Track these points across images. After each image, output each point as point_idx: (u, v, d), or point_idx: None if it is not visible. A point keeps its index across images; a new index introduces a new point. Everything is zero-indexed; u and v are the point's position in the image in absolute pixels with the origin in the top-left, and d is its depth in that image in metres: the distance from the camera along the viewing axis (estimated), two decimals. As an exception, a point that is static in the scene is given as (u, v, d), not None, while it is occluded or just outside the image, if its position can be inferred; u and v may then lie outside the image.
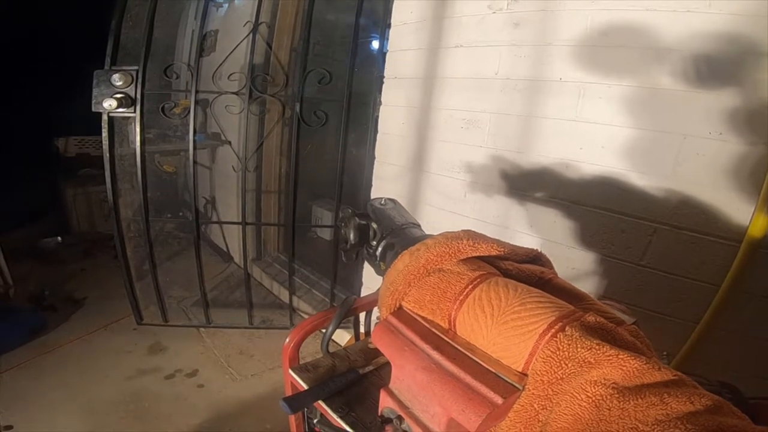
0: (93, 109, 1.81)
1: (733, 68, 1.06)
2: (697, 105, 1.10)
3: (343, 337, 2.08)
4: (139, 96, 1.83)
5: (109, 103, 1.78)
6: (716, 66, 1.08)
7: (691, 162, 1.13)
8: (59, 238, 3.21)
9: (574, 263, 1.36)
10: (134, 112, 1.85)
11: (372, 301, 0.97)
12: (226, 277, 2.98)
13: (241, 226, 2.21)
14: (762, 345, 1.10)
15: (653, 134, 1.18)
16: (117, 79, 1.80)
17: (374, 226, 0.62)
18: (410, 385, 0.45)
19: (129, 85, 1.82)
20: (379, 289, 1.03)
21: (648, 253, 1.22)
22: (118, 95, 1.80)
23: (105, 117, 1.84)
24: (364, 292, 2.15)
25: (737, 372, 1.13)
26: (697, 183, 1.13)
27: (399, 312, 0.48)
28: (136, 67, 1.82)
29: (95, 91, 1.80)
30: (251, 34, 1.97)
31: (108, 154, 1.88)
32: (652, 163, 1.19)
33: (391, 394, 0.48)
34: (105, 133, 1.85)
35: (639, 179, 1.21)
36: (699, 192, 1.13)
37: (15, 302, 2.45)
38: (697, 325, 1.16)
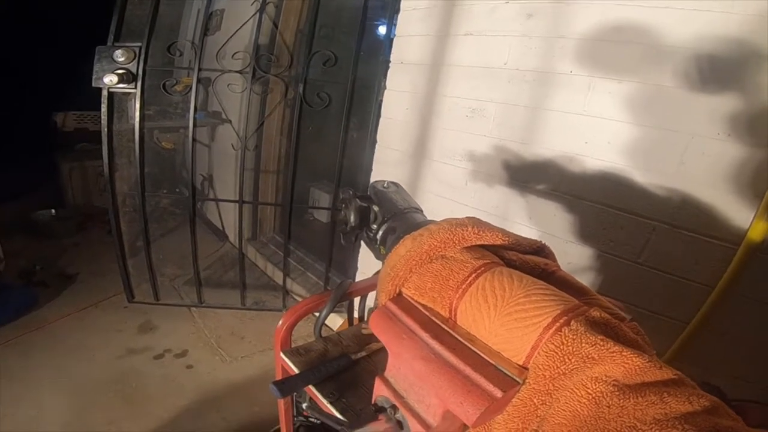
0: (93, 84, 1.79)
1: (736, 70, 1.04)
2: (706, 105, 1.09)
3: (335, 321, 2.08)
4: (140, 72, 1.81)
5: (110, 79, 1.75)
6: (725, 66, 1.06)
7: (696, 162, 1.12)
8: (53, 211, 3.17)
9: (572, 257, 1.35)
10: (135, 88, 1.82)
11: (367, 287, 0.96)
12: (220, 257, 2.97)
13: (237, 205, 2.19)
14: (749, 348, 1.11)
15: (659, 132, 1.16)
16: (119, 55, 1.77)
17: (375, 208, 0.60)
18: (407, 374, 0.44)
19: (131, 62, 1.80)
20: (376, 274, 1.02)
21: (646, 251, 1.22)
22: (120, 71, 1.77)
23: (105, 92, 1.82)
24: (359, 276, 2.15)
25: (726, 374, 1.14)
26: (699, 183, 1.12)
27: (398, 298, 0.47)
28: (139, 44, 1.80)
29: (96, 67, 1.78)
30: (258, 14, 1.93)
31: (106, 129, 1.86)
32: (657, 161, 1.18)
33: (386, 382, 0.47)
34: (104, 108, 1.83)
35: (642, 177, 1.20)
36: (701, 192, 1.12)
37: (5, 278, 2.42)
38: (687, 325, 1.16)
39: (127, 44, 1.80)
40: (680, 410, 0.30)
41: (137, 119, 1.88)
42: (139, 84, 1.82)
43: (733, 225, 1.08)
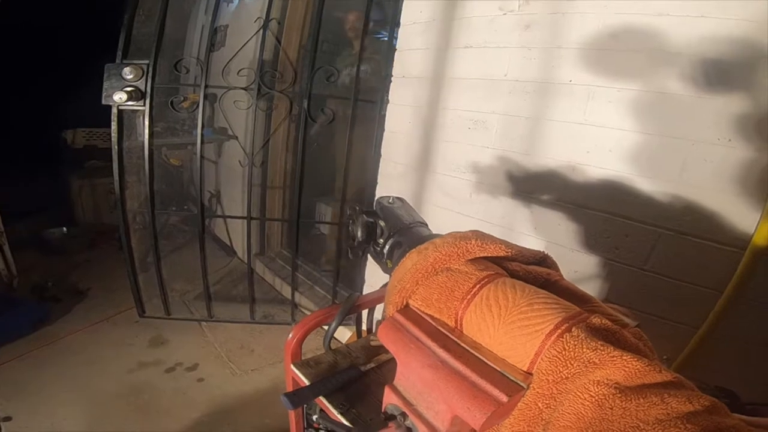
0: (103, 102, 1.83)
1: (743, 74, 1.05)
2: (705, 110, 1.10)
3: (343, 334, 2.08)
4: (149, 89, 1.85)
5: (119, 96, 1.79)
6: (726, 71, 1.07)
7: (698, 168, 1.13)
8: (64, 229, 3.23)
9: (577, 266, 1.36)
10: (144, 105, 1.86)
11: (374, 299, 0.98)
12: (228, 272, 2.99)
13: (245, 221, 2.22)
14: (761, 352, 1.10)
15: (661, 139, 1.18)
16: (128, 73, 1.81)
17: (382, 224, 0.62)
18: (415, 382, 0.46)
19: (139, 79, 1.84)
20: (383, 287, 1.03)
21: (652, 258, 1.22)
22: (129, 88, 1.82)
23: (114, 110, 1.86)
24: (367, 289, 2.16)
25: (735, 378, 1.13)
26: (703, 189, 1.13)
27: (406, 310, 0.49)
28: (146, 61, 1.84)
29: (106, 84, 1.82)
30: (261, 30, 1.97)
31: (117, 147, 1.90)
32: (659, 167, 1.19)
33: (396, 390, 0.48)
34: (114, 126, 1.87)
35: (645, 184, 1.21)
36: (705, 198, 1.13)
37: (18, 293, 2.47)
38: (698, 330, 1.16)
39: (135, 62, 1.84)
40: (681, 410, 0.31)
41: (146, 136, 1.91)
42: (147, 101, 1.86)
43: (738, 229, 1.09)
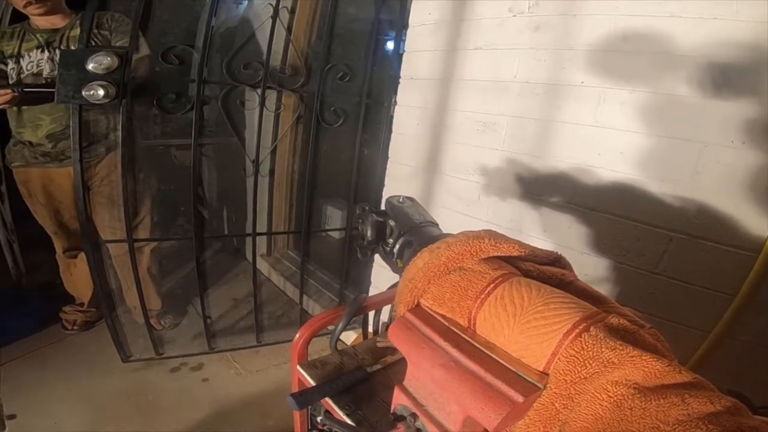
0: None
1: (756, 76, 1.04)
2: (719, 113, 1.09)
3: (348, 336, 2.08)
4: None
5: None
6: (740, 74, 1.06)
7: (711, 171, 1.11)
8: (71, 228, 3.22)
9: (587, 269, 1.34)
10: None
11: (381, 301, 0.97)
12: (236, 274, 2.96)
13: (252, 237, 2.03)
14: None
15: (673, 142, 1.16)
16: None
17: (391, 223, 0.61)
18: (426, 382, 0.45)
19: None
20: (390, 289, 1.03)
21: (663, 262, 1.21)
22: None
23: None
24: (373, 291, 2.15)
25: (748, 382, 1.11)
26: (716, 192, 1.11)
27: (417, 309, 0.48)
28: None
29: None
30: (271, 17, 1.81)
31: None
32: (671, 170, 1.17)
33: (406, 391, 0.48)
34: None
35: (657, 187, 1.20)
36: (718, 201, 1.11)
37: (26, 291, 2.49)
38: (709, 334, 1.15)
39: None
40: (703, 411, 0.30)
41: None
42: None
43: (752, 233, 1.07)
